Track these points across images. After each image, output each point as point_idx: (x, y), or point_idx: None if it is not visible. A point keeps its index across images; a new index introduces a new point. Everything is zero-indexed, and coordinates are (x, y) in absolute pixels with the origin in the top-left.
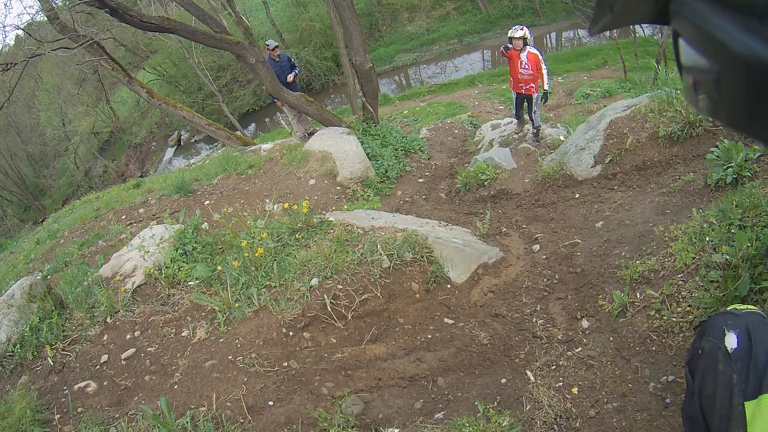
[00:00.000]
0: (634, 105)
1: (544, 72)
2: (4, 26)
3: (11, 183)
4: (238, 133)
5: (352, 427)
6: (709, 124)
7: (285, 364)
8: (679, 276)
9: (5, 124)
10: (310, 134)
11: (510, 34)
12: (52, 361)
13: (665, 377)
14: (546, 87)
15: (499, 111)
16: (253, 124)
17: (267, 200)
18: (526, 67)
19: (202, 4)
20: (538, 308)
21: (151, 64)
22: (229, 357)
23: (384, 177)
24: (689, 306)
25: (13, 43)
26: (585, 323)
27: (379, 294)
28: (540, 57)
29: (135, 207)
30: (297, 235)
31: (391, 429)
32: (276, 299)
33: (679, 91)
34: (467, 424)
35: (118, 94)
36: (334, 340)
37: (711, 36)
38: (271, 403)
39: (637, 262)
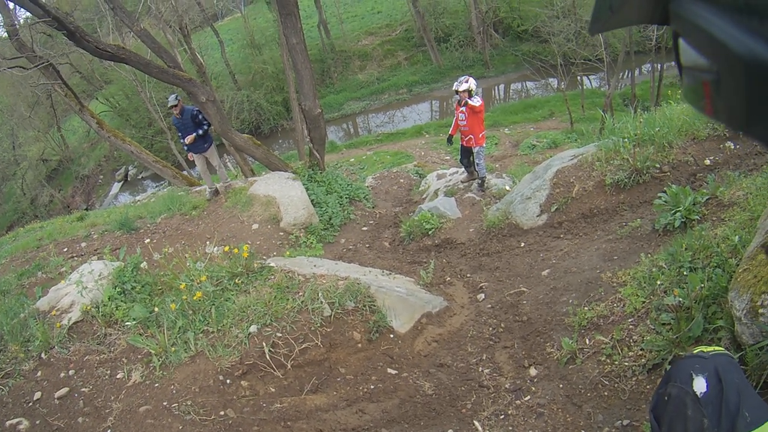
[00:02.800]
0: (581, 154)
1: (476, 98)
2: None
3: None
4: (185, 173)
5: None
6: (656, 171)
7: (222, 413)
8: (629, 320)
9: None
10: (214, 192)
11: (455, 87)
12: None
13: (619, 422)
14: (470, 101)
15: (445, 161)
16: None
17: (208, 242)
18: (462, 118)
19: (159, 38)
20: (484, 357)
21: (104, 94)
22: (164, 403)
23: (328, 224)
24: (641, 350)
25: None
26: (533, 371)
27: (319, 343)
28: (476, 106)
29: (77, 240)
30: (237, 280)
31: None
32: (213, 345)
33: (625, 140)
34: None
35: (69, 122)
36: (273, 390)
37: (711, 36)
38: None
39: (585, 308)
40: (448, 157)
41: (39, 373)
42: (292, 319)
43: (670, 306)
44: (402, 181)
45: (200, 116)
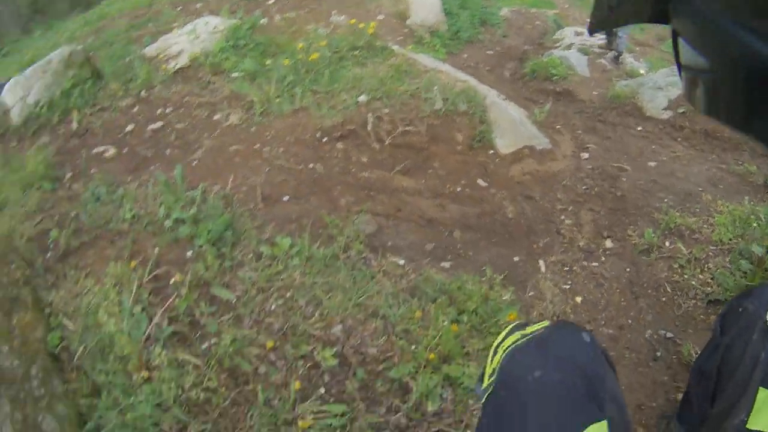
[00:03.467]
0: None
1: None
2: None
3: None
4: None
5: (360, 243)
6: None
7: (311, 166)
8: (711, 247)
9: None
10: None
11: None
12: (77, 124)
13: (663, 332)
14: None
15: (586, 22)
16: None
17: (333, 12)
18: None
19: None
20: (570, 209)
21: None
22: (257, 146)
23: (454, 36)
24: (711, 279)
25: None
26: (609, 243)
27: (423, 131)
28: None
29: (192, 1)
30: (356, 52)
31: (396, 259)
32: (319, 104)
33: None
34: (470, 282)
35: None
36: (365, 160)
37: (711, 36)
38: (286, 198)
39: (677, 213)
40: (587, 18)
41: (136, 109)
42: (402, 101)
43: (753, 255)
44: (538, 23)
45: None
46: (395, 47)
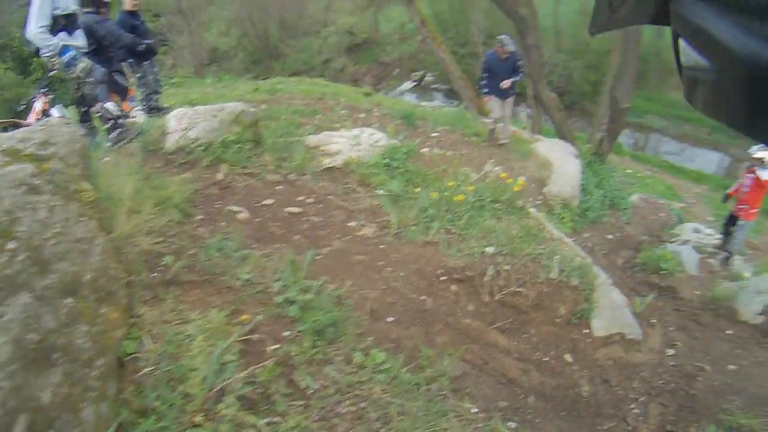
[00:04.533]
0: None
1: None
2: None
3: (254, 34)
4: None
5: (445, 380)
6: None
7: (422, 298)
8: None
9: None
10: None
11: (749, 151)
12: (223, 177)
13: None
14: (761, 173)
15: (707, 221)
16: None
17: (488, 161)
18: (746, 185)
19: None
20: (641, 399)
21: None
22: (380, 263)
23: (583, 213)
24: None
25: None
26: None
27: (532, 296)
28: (763, 180)
29: (358, 110)
30: (497, 205)
31: (470, 405)
32: (449, 243)
33: None
34: None
35: (387, 10)
36: (471, 308)
37: (711, 36)
38: (391, 318)
39: (743, 417)
40: (712, 218)
41: (280, 187)
42: (524, 262)
43: None
44: (662, 215)
45: (520, 64)
46: (532, 209)
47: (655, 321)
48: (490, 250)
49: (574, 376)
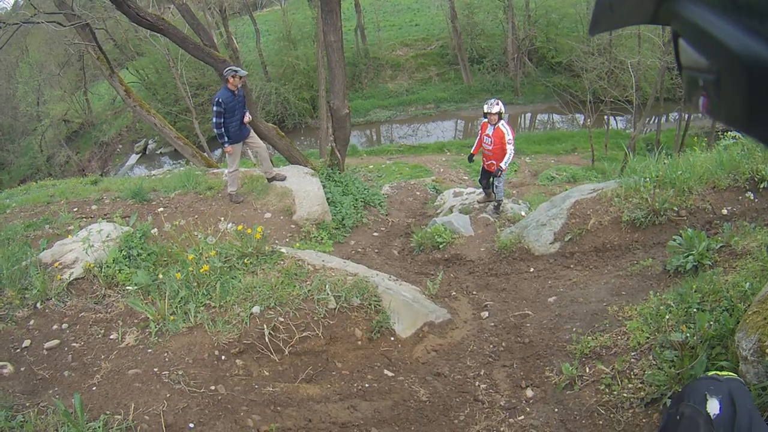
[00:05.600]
0: (600, 189)
1: (509, 149)
2: None
3: None
4: (205, 154)
5: None
6: (673, 214)
7: (212, 387)
8: (632, 354)
9: None
10: (271, 179)
11: (485, 109)
12: None
13: None
14: (503, 164)
15: (463, 180)
16: (219, 150)
17: (222, 219)
18: (488, 142)
19: (197, 16)
20: (482, 373)
21: (135, 65)
22: (155, 369)
23: (340, 224)
24: (641, 383)
25: (9, 7)
26: (529, 392)
27: (320, 334)
28: (507, 135)
29: (89, 202)
30: (246, 260)
31: None
32: (213, 320)
33: (647, 180)
34: None
35: (96, 87)
36: (267, 373)
37: (711, 36)
38: (191, 425)
39: (589, 337)
40: (466, 177)
41: (32, 322)
42: (296, 306)
43: (674, 343)
44: (418, 193)
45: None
46: (284, 250)
47: (455, 293)
48: (256, 309)
49: (404, 386)
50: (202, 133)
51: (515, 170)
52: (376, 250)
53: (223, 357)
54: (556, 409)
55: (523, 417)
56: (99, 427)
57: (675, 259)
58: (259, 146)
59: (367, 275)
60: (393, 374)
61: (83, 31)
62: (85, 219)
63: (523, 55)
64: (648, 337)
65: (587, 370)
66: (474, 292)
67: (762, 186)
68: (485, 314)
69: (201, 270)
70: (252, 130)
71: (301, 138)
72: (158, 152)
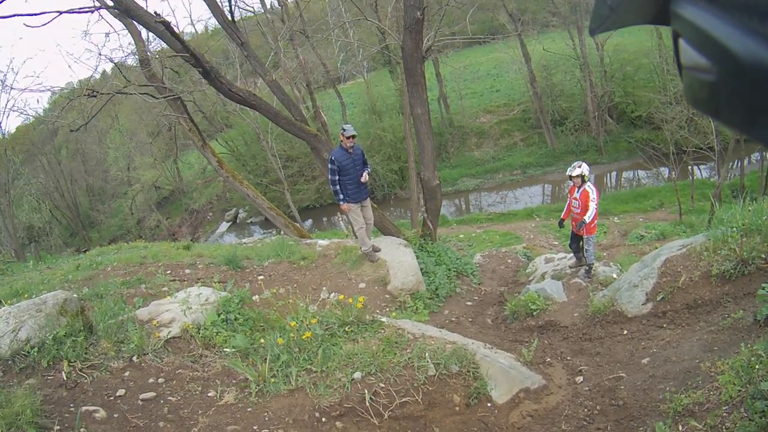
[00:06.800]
0: (689, 244)
1: (592, 206)
2: (100, 53)
3: (65, 205)
4: (297, 224)
5: None
6: (762, 261)
7: None
8: (724, 408)
9: (75, 149)
10: (377, 250)
11: (568, 172)
12: (66, 377)
13: None
14: (586, 218)
15: (553, 246)
16: (310, 220)
17: (322, 289)
18: (576, 205)
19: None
20: None
21: (224, 136)
22: (254, 427)
23: (434, 294)
24: None
25: (99, 76)
26: None
27: (419, 399)
28: (591, 194)
29: (182, 266)
30: (347, 328)
31: None
32: (315, 383)
33: (734, 230)
34: None
35: (186, 156)
36: None
37: (711, 36)
38: None
39: (682, 396)
40: (556, 243)
41: (127, 374)
42: (396, 373)
43: (765, 392)
44: (510, 261)
45: (364, 156)
46: (383, 319)
47: (550, 359)
48: (358, 375)
49: None
50: (293, 203)
51: (604, 232)
52: (470, 319)
53: (323, 419)
54: None
55: None
56: None
57: (765, 308)
58: (370, 216)
59: (465, 343)
60: None
61: (174, 104)
62: (179, 281)
63: (603, 112)
64: (740, 390)
65: (680, 428)
66: (568, 358)
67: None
68: (579, 379)
69: (303, 336)
70: (368, 196)
71: (390, 209)
72: (249, 221)
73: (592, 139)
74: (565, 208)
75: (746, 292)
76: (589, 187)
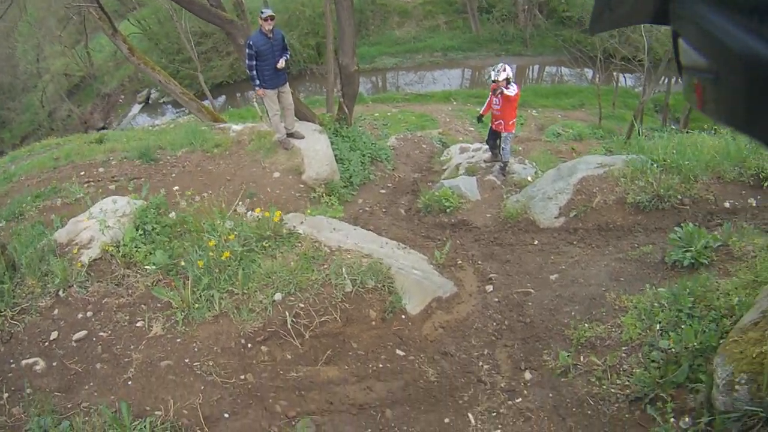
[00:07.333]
0: (608, 165)
1: (512, 86)
2: None
3: None
4: (208, 103)
5: None
6: (677, 201)
7: (242, 377)
8: (623, 348)
9: None
10: (290, 135)
11: (492, 76)
12: (0, 329)
13: None
14: (506, 90)
15: (469, 132)
16: (224, 97)
17: (239, 204)
18: (497, 103)
19: None
20: (485, 353)
21: (136, 16)
22: (186, 360)
23: (348, 182)
24: (629, 380)
25: None
26: (528, 375)
27: (338, 317)
28: (512, 96)
29: (95, 165)
30: (264, 243)
31: None
32: (238, 308)
33: (652, 162)
34: None
35: (97, 40)
36: (290, 357)
37: (711, 36)
38: (226, 415)
39: (586, 325)
40: (471, 128)
41: (56, 312)
42: (315, 292)
43: (662, 348)
44: (425, 146)
45: (286, 40)
46: (300, 230)
47: (461, 261)
48: (278, 297)
49: (414, 366)
50: (207, 81)
51: (522, 123)
52: (384, 209)
53: (249, 345)
54: (550, 395)
55: (520, 400)
56: (145, 427)
57: (674, 253)
58: (289, 101)
59: (380, 257)
60: (404, 353)
61: None
62: (94, 184)
63: (533, 6)
64: (640, 333)
65: (582, 359)
66: (479, 262)
67: (766, 184)
68: (490, 288)
69: (222, 257)
70: (287, 82)
71: (306, 84)
72: (161, 101)
73: (519, 31)
74: (485, 105)
75: (658, 226)
76: (510, 89)
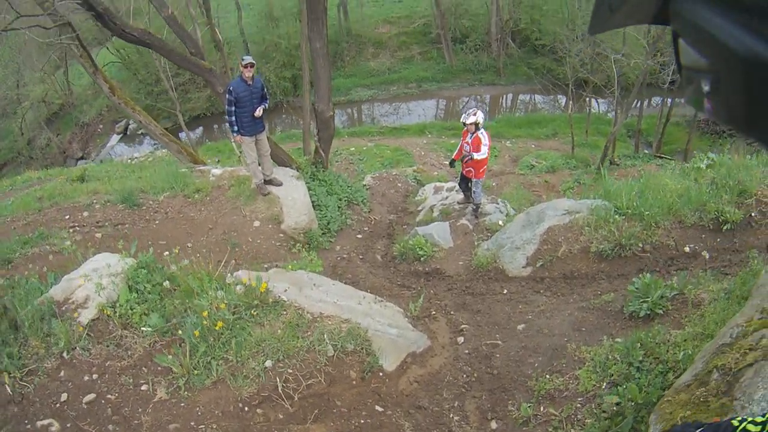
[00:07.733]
0: (574, 212)
1: (484, 149)
2: None
3: None
4: (184, 136)
5: None
6: (639, 249)
7: None
8: (579, 399)
9: None
10: (268, 182)
11: (462, 119)
12: (11, 391)
13: None
14: (475, 155)
15: (443, 166)
16: (201, 128)
17: (229, 274)
18: (467, 150)
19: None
20: (456, 404)
21: (116, 44)
22: (192, 423)
23: (326, 229)
24: (581, 430)
25: None
26: (494, 425)
27: (322, 380)
28: (483, 139)
29: (79, 208)
30: (252, 311)
31: None
32: (233, 375)
33: (615, 210)
34: None
35: (76, 67)
36: (282, 417)
37: (711, 36)
38: None
39: (547, 377)
40: (446, 162)
41: (62, 374)
42: (301, 358)
43: (606, 403)
44: (399, 185)
45: (266, 89)
46: (284, 298)
47: (434, 312)
48: (269, 363)
49: (392, 420)
50: (184, 114)
51: (495, 155)
52: (361, 256)
53: (246, 408)
54: None
55: None
56: None
57: (632, 304)
58: (267, 148)
59: (359, 321)
60: (383, 409)
61: (65, 29)
62: (79, 229)
63: (506, 36)
64: (594, 385)
65: (541, 409)
66: (452, 312)
67: (725, 228)
68: (461, 339)
69: (216, 326)
70: (265, 130)
71: (282, 116)
72: (140, 132)
73: (492, 60)
74: (457, 149)
75: (620, 273)
76: (482, 134)
